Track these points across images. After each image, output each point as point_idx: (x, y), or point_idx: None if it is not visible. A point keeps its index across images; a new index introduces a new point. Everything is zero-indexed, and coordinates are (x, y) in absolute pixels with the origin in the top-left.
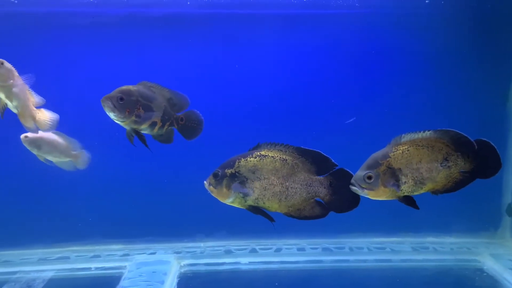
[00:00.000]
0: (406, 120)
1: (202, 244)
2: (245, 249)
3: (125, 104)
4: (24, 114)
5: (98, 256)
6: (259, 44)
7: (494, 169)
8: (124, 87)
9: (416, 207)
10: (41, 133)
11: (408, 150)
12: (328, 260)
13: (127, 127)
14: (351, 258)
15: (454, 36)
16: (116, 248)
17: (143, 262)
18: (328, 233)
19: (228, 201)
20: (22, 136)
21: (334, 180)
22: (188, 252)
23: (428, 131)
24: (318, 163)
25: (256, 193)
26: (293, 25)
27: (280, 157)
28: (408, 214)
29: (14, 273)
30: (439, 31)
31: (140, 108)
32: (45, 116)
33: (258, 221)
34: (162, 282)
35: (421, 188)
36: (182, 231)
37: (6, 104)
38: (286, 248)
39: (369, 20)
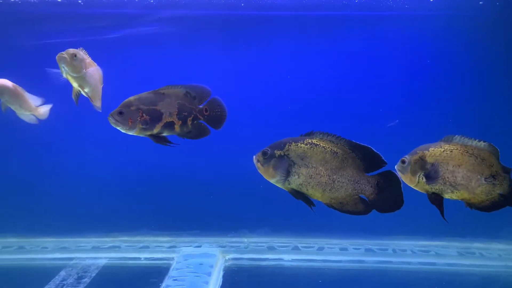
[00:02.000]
0: (454, 126)
1: (245, 240)
2: (287, 246)
3: (125, 116)
4: (94, 97)
5: (147, 247)
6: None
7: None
8: (126, 100)
9: (441, 210)
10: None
11: (451, 151)
12: (371, 261)
13: (141, 135)
14: (395, 260)
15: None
16: (164, 240)
17: (190, 254)
18: (371, 234)
19: (272, 180)
20: None
21: (382, 181)
22: (232, 246)
23: (484, 142)
24: (368, 160)
25: (301, 179)
26: (340, 26)
27: (331, 149)
28: (455, 218)
29: (71, 259)
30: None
31: (143, 114)
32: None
33: (301, 219)
34: (209, 274)
35: (452, 192)
36: (227, 226)
37: (79, 91)
38: (329, 247)
39: (419, 23)
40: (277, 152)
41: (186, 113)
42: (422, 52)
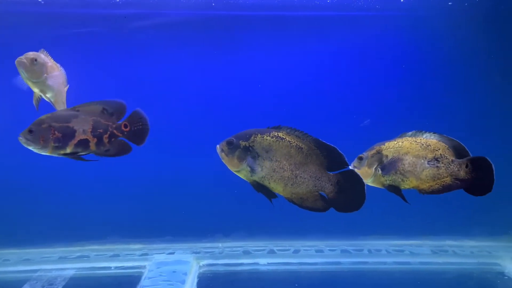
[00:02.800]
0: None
1: (220, 245)
2: (263, 250)
3: (36, 134)
4: (57, 102)
5: (118, 256)
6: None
7: (486, 188)
8: (38, 118)
9: (401, 196)
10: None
11: (402, 142)
12: (347, 262)
13: (55, 155)
14: (370, 260)
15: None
16: (135, 247)
17: (162, 262)
18: (346, 235)
19: (235, 170)
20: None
21: (342, 180)
22: (206, 252)
23: (435, 133)
24: (331, 159)
25: (264, 172)
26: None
27: (297, 144)
28: (427, 217)
29: (35, 271)
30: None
31: (55, 132)
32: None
33: (276, 222)
34: (183, 282)
35: (403, 181)
36: (201, 231)
37: (40, 96)
38: (304, 250)
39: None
40: (242, 143)
41: (101, 130)
42: (395, 52)
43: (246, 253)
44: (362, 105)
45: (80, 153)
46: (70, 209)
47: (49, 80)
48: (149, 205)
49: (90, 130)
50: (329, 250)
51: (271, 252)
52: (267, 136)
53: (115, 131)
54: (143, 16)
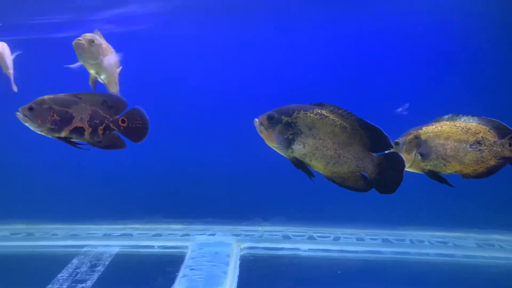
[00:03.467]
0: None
1: (260, 228)
2: (303, 235)
3: (35, 113)
4: (111, 83)
5: (160, 235)
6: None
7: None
8: (40, 97)
9: (444, 181)
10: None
11: (441, 126)
12: (389, 251)
13: (48, 136)
14: (412, 250)
15: None
16: (176, 228)
17: (204, 243)
18: (388, 224)
19: (273, 145)
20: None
21: (384, 161)
22: (246, 235)
23: (473, 116)
24: (375, 140)
25: (306, 149)
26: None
27: (341, 123)
28: (472, 209)
29: (82, 246)
30: None
31: (55, 115)
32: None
33: (316, 208)
34: (227, 264)
35: (445, 166)
36: (240, 214)
37: (96, 77)
38: (344, 237)
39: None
40: (284, 118)
41: (97, 121)
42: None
43: (286, 238)
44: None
45: (73, 139)
46: (114, 188)
47: (105, 61)
48: (190, 186)
49: (87, 119)
50: (370, 239)
51: (311, 238)
52: (310, 113)
53: (111, 124)
54: None
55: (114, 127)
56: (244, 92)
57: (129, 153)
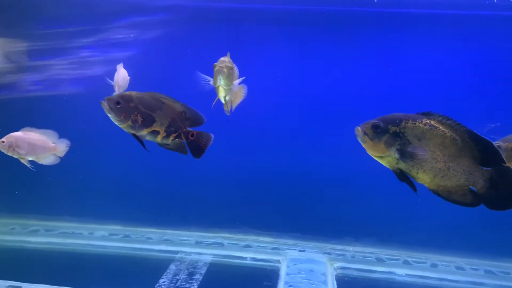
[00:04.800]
0: None
1: (351, 248)
2: (397, 259)
3: (121, 108)
4: (228, 104)
5: (250, 246)
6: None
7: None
8: (128, 92)
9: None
10: (16, 134)
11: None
12: (492, 284)
13: (125, 130)
14: None
15: None
16: (265, 240)
17: (296, 259)
18: (489, 255)
19: (377, 156)
20: None
21: (496, 176)
22: (338, 254)
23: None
24: (485, 153)
25: (414, 161)
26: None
27: (451, 135)
28: None
29: (176, 252)
30: None
31: (138, 115)
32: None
33: (410, 231)
34: (325, 283)
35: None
36: (330, 231)
37: (225, 99)
38: (443, 265)
39: None
40: (392, 128)
41: (173, 129)
42: None
43: (380, 261)
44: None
45: (145, 139)
46: (206, 196)
47: (234, 86)
48: (280, 199)
49: (165, 126)
50: (471, 268)
51: (406, 263)
52: (419, 123)
53: (182, 134)
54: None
55: (183, 138)
56: (342, 102)
57: (222, 162)
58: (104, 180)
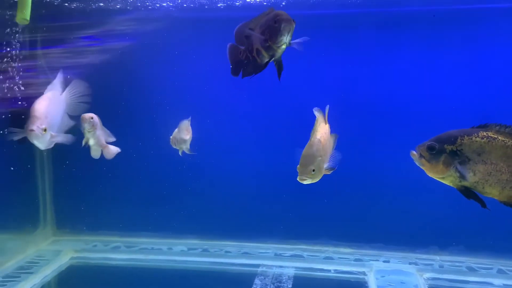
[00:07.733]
0: None
1: (437, 257)
2: (490, 268)
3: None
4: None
5: (331, 258)
6: None
7: None
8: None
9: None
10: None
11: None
12: None
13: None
14: None
15: None
16: (345, 251)
17: (383, 270)
18: None
19: (438, 177)
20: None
21: None
22: (425, 264)
23: None
24: None
25: (478, 176)
26: None
27: None
28: None
29: (257, 265)
30: None
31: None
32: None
33: (502, 237)
34: None
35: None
36: (414, 240)
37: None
38: None
39: None
40: (448, 147)
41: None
42: None
43: (471, 270)
44: None
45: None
46: (283, 207)
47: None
48: (359, 209)
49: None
50: None
51: (502, 272)
52: (475, 137)
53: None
54: None
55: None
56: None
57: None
58: (181, 194)
